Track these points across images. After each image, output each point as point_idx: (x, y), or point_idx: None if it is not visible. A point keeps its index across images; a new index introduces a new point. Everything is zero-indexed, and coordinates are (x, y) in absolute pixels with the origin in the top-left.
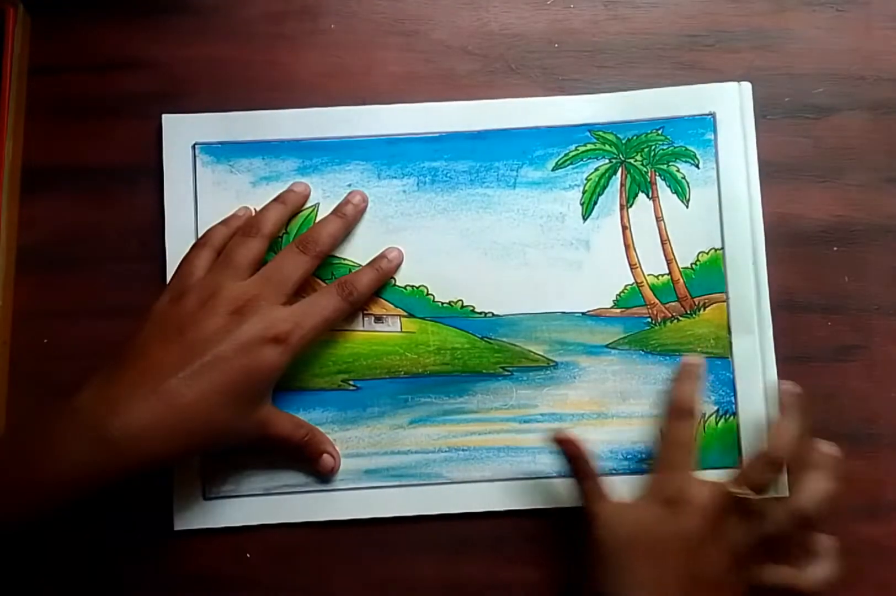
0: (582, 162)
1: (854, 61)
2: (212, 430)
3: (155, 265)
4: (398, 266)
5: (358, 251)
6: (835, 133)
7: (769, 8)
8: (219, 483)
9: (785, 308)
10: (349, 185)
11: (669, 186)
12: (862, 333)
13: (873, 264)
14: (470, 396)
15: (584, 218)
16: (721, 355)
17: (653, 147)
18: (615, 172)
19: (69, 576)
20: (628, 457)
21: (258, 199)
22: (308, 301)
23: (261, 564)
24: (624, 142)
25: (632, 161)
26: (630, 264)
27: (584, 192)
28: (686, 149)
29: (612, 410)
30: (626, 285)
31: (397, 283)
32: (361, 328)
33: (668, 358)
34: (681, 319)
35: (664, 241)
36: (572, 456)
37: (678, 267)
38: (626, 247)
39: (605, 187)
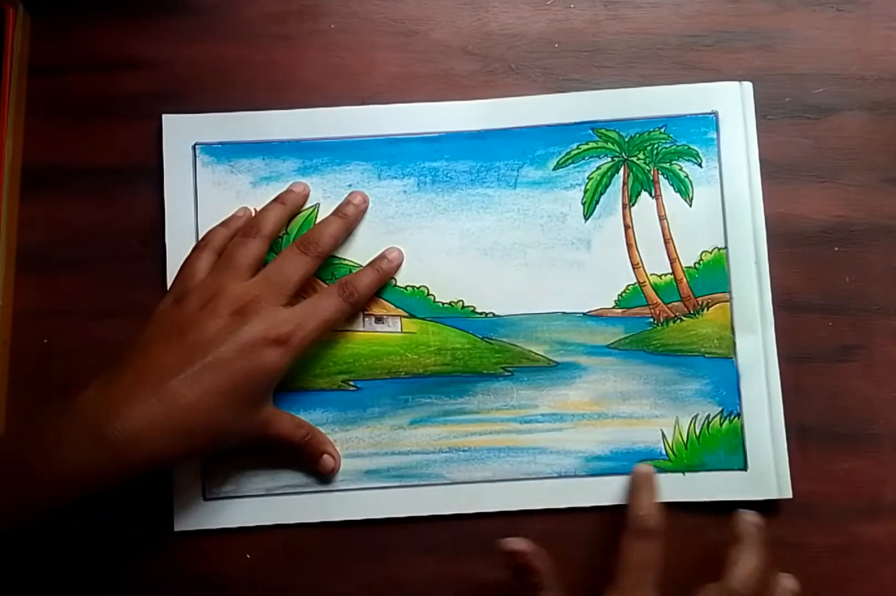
0: (584, 161)
1: (854, 61)
2: (212, 430)
3: (155, 265)
4: (398, 266)
5: (358, 252)
6: (835, 133)
7: (769, 8)
8: (219, 484)
9: (785, 308)
10: (349, 186)
11: (672, 185)
12: (862, 333)
13: (873, 264)
14: (470, 397)
15: (586, 217)
16: (725, 356)
17: (655, 145)
18: (617, 171)
19: (69, 576)
20: (629, 457)
21: (258, 199)
22: (309, 302)
23: (261, 565)
24: (626, 140)
25: (634, 159)
26: (632, 264)
27: (585, 192)
28: (689, 147)
29: (612, 411)
30: (628, 285)
31: (398, 284)
32: (362, 329)
33: (670, 358)
34: (684, 319)
35: (667, 241)
36: (523, 569)
37: (681, 266)
38: (629, 246)
39: (606, 186)
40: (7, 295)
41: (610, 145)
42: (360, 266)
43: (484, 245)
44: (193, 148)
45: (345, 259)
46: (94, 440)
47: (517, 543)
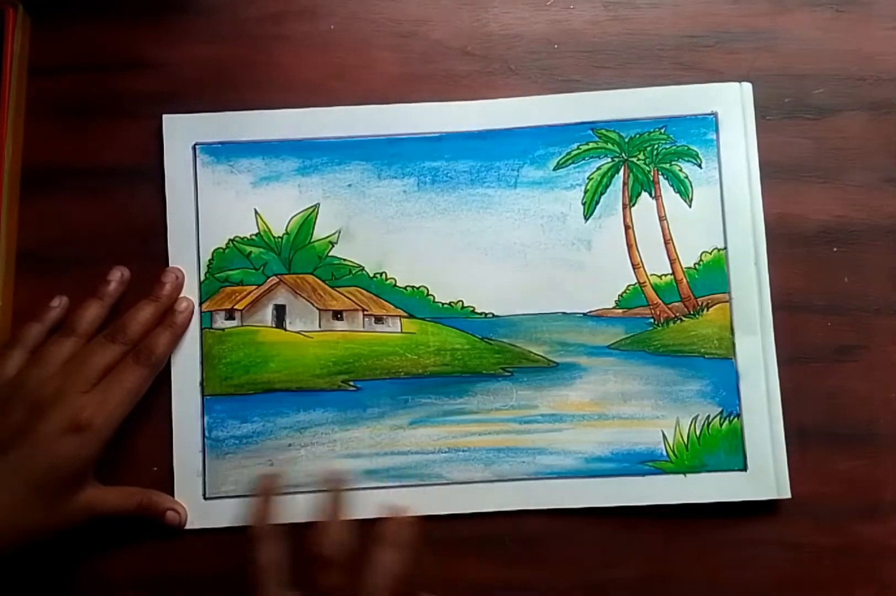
0: (584, 161)
1: (854, 61)
2: (25, 532)
3: (155, 265)
4: (191, 314)
5: (360, 252)
6: (835, 133)
7: (769, 8)
8: (219, 483)
9: (785, 308)
10: (349, 185)
11: (672, 186)
12: (862, 333)
13: (873, 264)
14: (470, 397)
15: (586, 218)
16: (725, 356)
17: (655, 146)
18: (617, 171)
19: (69, 576)
20: (630, 458)
21: (258, 199)
22: (108, 379)
23: None
24: (626, 140)
25: (634, 160)
26: (633, 264)
27: (585, 192)
28: (689, 148)
29: (612, 412)
30: (629, 285)
31: (398, 284)
32: (362, 329)
33: (670, 359)
34: (684, 319)
35: (667, 241)
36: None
37: (681, 267)
38: (629, 246)
39: (607, 186)
40: (7, 295)
41: (610, 146)
42: (361, 267)
43: (484, 245)
44: (193, 148)
45: (345, 260)
46: None
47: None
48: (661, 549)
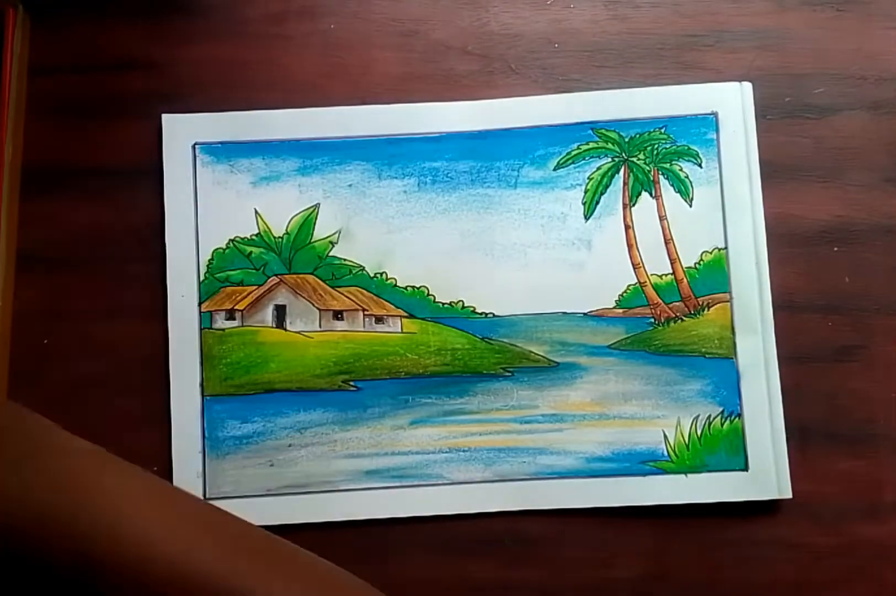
0: (584, 161)
1: (854, 61)
2: None
3: (155, 265)
4: None
5: (360, 252)
6: (835, 133)
7: (769, 8)
8: (219, 484)
9: (785, 308)
10: (350, 185)
11: (673, 186)
12: (862, 333)
13: (873, 264)
14: (470, 397)
15: (587, 217)
16: (725, 356)
17: (655, 146)
18: (618, 171)
19: None
20: (630, 458)
21: (258, 198)
22: None
23: None
24: (627, 140)
25: (634, 160)
26: (633, 264)
27: (586, 192)
28: (689, 148)
29: (613, 411)
30: (629, 285)
31: (398, 284)
32: (362, 329)
33: (671, 359)
34: (685, 319)
35: (668, 241)
36: None
37: (682, 266)
38: (629, 246)
39: (607, 186)
40: (7, 295)
41: (610, 145)
42: (361, 267)
43: (484, 245)
44: (193, 148)
45: (346, 260)
46: None
47: None
48: (662, 549)
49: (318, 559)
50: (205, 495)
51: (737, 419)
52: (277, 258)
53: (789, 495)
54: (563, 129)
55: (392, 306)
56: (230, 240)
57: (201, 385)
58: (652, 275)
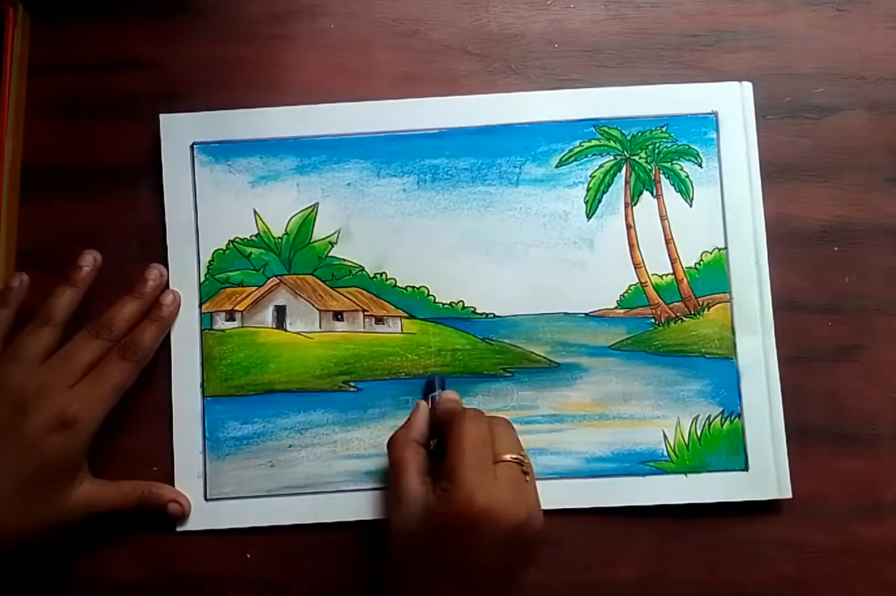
0: (586, 158)
1: (854, 61)
2: (18, 533)
3: None
4: (177, 308)
5: (359, 252)
6: (835, 133)
7: (769, 8)
8: (220, 484)
9: (785, 308)
10: (348, 184)
11: (673, 185)
12: (862, 333)
13: (873, 264)
14: (471, 398)
15: (589, 216)
16: (726, 356)
17: (657, 144)
18: (620, 170)
19: (69, 576)
20: (631, 459)
21: (257, 199)
22: (93, 374)
23: (261, 565)
24: (628, 138)
25: (636, 158)
26: (634, 264)
27: (588, 190)
28: (689, 147)
29: (614, 412)
30: (631, 285)
31: (398, 285)
32: (362, 329)
33: (671, 359)
34: (685, 319)
35: (668, 241)
36: None
37: (682, 266)
38: (631, 246)
39: (609, 185)
40: None
41: (612, 143)
42: (361, 267)
43: (485, 245)
44: (191, 147)
45: (345, 260)
46: None
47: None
48: (662, 548)
49: None
50: (205, 496)
51: (737, 419)
52: (277, 259)
53: (789, 495)
54: (565, 126)
55: (392, 307)
56: (230, 241)
57: (202, 386)
58: (653, 275)
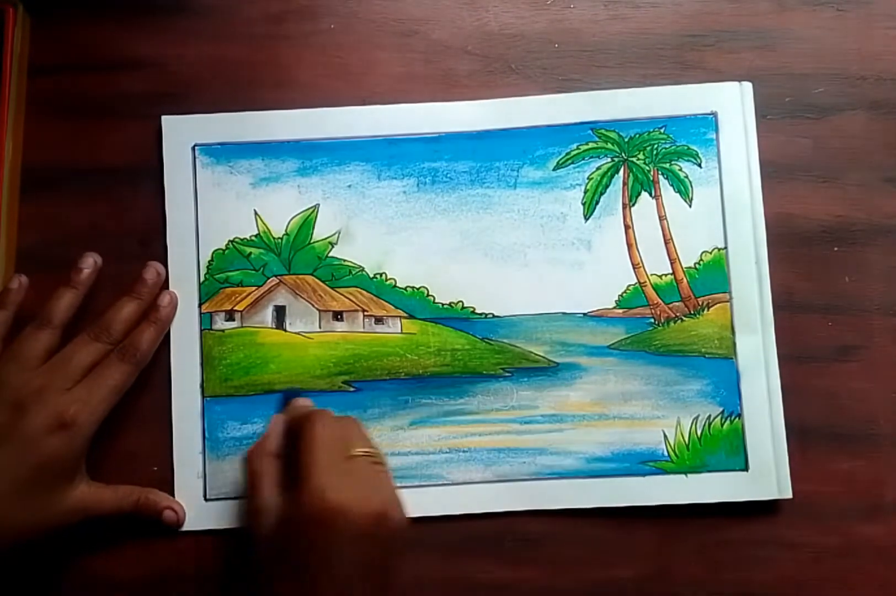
0: (584, 161)
1: (854, 61)
2: (14, 533)
3: None
4: (175, 309)
5: (359, 253)
6: (835, 133)
7: (769, 8)
8: (220, 484)
9: (785, 308)
10: (349, 186)
11: (672, 185)
12: (862, 333)
13: (873, 264)
14: (470, 398)
15: (586, 218)
16: (725, 356)
17: (655, 146)
18: (617, 171)
19: (68, 576)
20: (630, 459)
21: (258, 199)
22: (92, 376)
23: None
24: (626, 140)
25: (634, 160)
26: (633, 264)
27: (585, 192)
28: (688, 148)
29: (613, 412)
30: (629, 285)
31: (398, 285)
32: (362, 330)
33: (671, 359)
34: (684, 319)
35: (667, 241)
36: None
37: (682, 267)
38: (629, 246)
39: (607, 186)
40: None
41: (610, 145)
42: (361, 267)
43: (484, 246)
44: (193, 149)
45: (345, 260)
46: None
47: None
48: (662, 549)
49: None
50: (205, 496)
51: (737, 419)
52: (277, 259)
53: (789, 495)
54: (562, 129)
55: (392, 307)
56: (230, 241)
57: (201, 386)
58: (652, 275)
